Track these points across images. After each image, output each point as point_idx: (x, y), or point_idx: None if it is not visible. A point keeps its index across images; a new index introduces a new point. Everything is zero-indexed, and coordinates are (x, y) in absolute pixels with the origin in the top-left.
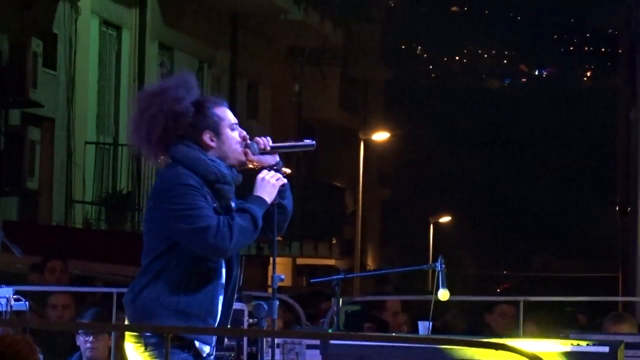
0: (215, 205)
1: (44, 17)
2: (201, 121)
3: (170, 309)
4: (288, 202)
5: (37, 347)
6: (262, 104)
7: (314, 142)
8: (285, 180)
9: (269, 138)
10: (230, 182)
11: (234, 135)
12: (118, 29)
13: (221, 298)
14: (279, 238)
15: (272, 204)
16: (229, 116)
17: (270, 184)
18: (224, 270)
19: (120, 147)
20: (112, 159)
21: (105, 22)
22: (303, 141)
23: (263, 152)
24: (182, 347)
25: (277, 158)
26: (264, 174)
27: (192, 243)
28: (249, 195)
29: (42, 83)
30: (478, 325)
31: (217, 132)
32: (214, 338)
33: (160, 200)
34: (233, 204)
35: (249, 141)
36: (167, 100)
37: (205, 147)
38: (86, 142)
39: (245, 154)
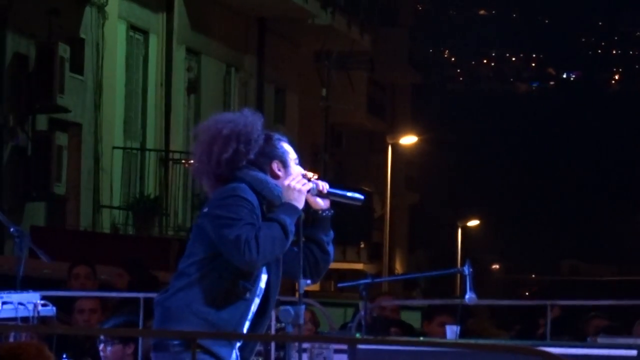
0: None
1: (71, 22)
2: (271, 150)
3: (200, 317)
4: (328, 240)
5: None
6: (289, 108)
7: (364, 197)
8: (311, 185)
9: (326, 183)
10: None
11: (297, 169)
12: (145, 33)
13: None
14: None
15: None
16: (293, 152)
17: (296, 189)
18: (262, 285)
19: (147, 152)
20: (139, 164)
21: (132, 27)
22: (355, 194)
23: (319, 194)
24: (208, 355)
25: (328, 203)
26: (289, 180)
27: (227, 252)
28: (279, 204)
29: (69, 88)
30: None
31: (284, 164)
32: (235, 356)
33: (214, 207)
34: None
35: (313, 184)
36: (241, 126)
37: (273, 176)
38: (113, 147)
39: (308, 193)
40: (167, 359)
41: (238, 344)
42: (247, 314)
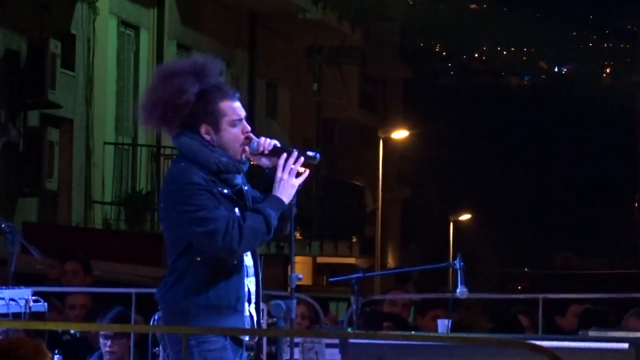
0: (226, 191)
1: (62, 18)
2: (201, 114)
3: (200, 306)
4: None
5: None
6: (281, 103)
7: (318, 154)
8: (306, 174)
9: (274, 141)
10: (234, 171)
11: (235, 131)
12: (136, 29)
13: (253, 279)
14: (298, 237)
15: (290, 203)
16: (231, 111)
17: (289, 183)
18: (246, 257)
19: (139, 148)
20: (131, 160)
21: (123, 23)
22: (306, 152)
23: (260, 153)
24: (221, 336)
25: (273, 162)
26: (285, 173)
27: (203, 245)
28: (267, 194)
29: (60, 84)
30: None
31: (215, 127)
32: (247, 322)
33: (170, 201)
34: (246, 187)
35: (254, 138)
36: (168, 90)
37: (203, 141)
38: (105, 143)
39: (244, 151)
40: (178, 340)
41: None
42: (243, 276)
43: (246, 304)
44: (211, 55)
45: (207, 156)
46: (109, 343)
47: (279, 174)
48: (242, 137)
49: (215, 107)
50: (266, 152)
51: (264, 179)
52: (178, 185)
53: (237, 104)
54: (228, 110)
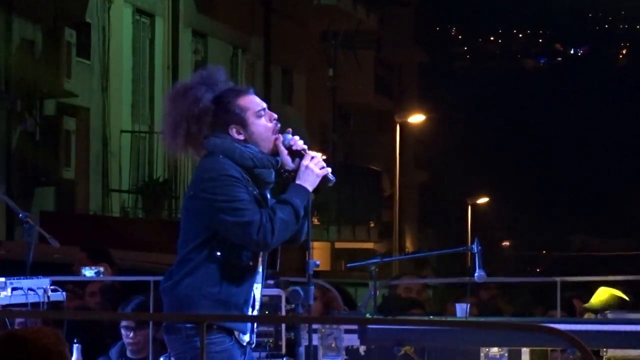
0: (255, 192)
1: (77, 6)
2: (224, 117)
3: (211, 299)
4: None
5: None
6: (296, 89)
7: (334, 178)
8: (329, 170)
9: (305, 146)
10: (269, 166)
11: (262, 122)
12: (151, 17)
13: (259, 286)
14: (316, 222)
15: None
16: (253, 104)
17: (314, 172)
18: (260, 259)
19: (155, 135)
20: (147, 147)
21: (138, 10)
22: (329, 173)
23: (289, 148)
24: (224, 335)
25: (296, 163)
26: (308, 160)
27: (236, 236)
28: (291, 183)
29: (76, 73)
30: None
31: (243, 124)
32: (250, 325)
33: (202, 189)
34: (268, 195)
35: (287, 134)
36: (185, 104)
37: (236, 140)
38: (121, 131)
39: (276, 140)
40: (180, 341)
41: (250, 311)
42: (254, 281)
43: (250, 309)
44: (214, 65)
45: (242, 152)
46: (131, 335)
47: (304, 162)
48: (272, 125)
49: (236, 105)
50: (295, 147)
51: (281, 185)
52: (212, 175)
53: (255, 97)
54: (249, 104)
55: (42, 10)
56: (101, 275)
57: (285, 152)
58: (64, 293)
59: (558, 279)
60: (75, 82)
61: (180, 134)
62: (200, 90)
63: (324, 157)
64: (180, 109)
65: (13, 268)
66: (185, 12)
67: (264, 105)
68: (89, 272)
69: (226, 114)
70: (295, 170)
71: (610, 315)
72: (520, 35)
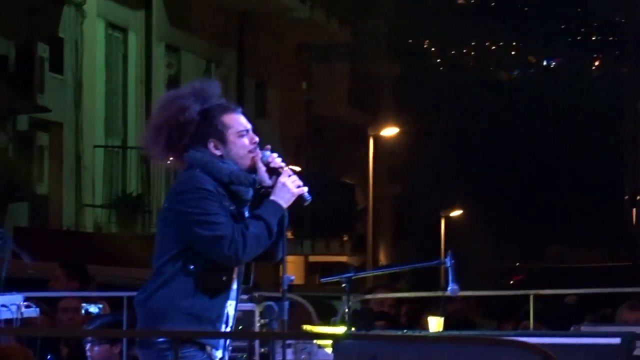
0: (232, 208)
1: (49, 21)
2: (206, 130)
3: (184, 312)
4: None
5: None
6: (270, 102)
7: (310, 197)
8: (305, 189)
9: (282, 164)
10: (246, 183)
11: (243, 141)
12: (124, 31)
13: (233, 303)
14: (290, 236)
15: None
16: (237, 123)
17: (290, 190)
18: (234, 275)
19: (129, 150)
20: (121, 162)
21: (111, 25)
22: (305, 192)
23: (267, 164)
24: (196, 349)
25: (273, 180)
26: (285, 178)
27: (207, 250)
28: (265, 199)
29: (49, 88)
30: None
31: (222, 140)
32: (223, 342)
33: (176, 202)
34: (246, 213)
35: (266, 151)
36: (172, 110)
37: (214, 155)
38: (95, 146)
39: (253, 158)
40: (153, 355)
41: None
42: (228, 296)
43: (223, 325)
44: (209, 79)
45: (219, 167)
46: (88, 347)
47: (281, 178)
48: (251, 146)
49: (220, 121)
50: (273, 164)
51: (258, 200)
52: (187, 187)
53: (241, 117)
54: (233, 123)
55: (15, 25)
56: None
57: (264, 168)
58: (38, 309)
59: (532, 292)
60: (48, 97)
61: (160, 140)
62: (189, 100)
63: (299, 169)
64: (166, 114)
65: None
66: (158, 27)
67: (249, 126)
68: (93, 309)
69: (208, 127)
70: (272, 187)
71: (584, 328)
72: (494, 47)
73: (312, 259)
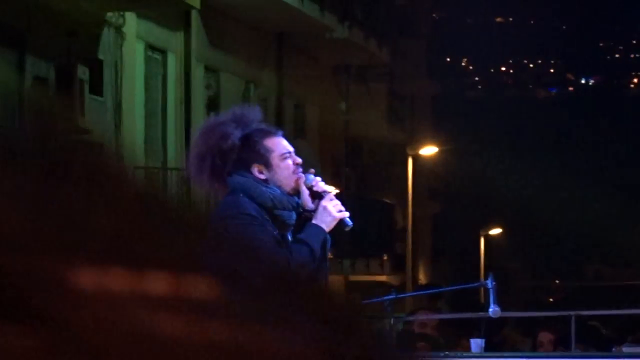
0: (275, 233)
1: (89, 44)
2: (249, 155)
3: None
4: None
5: None
6: (309, 123)
7: (352, 224)
8: (347, 214)
9: (326, 187)
10: (289, 208)
11: (287, 163)
12: (163, 52)
13: None
14: (330, 256)
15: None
16: (279, 147)
17: (331, 214)
18: None
19: (169, 171)
20: (161, 183)
21: (150, 47)
22: (347, 218)
23: (310, 188)
24: None
25: (315, 204)
26: (327, 202)
27: None
28: (308, 223)
29: (89, 109)
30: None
31: (266, 164)
32: None
33: (219, 227)
34: (289, 236)
35: (310, 174)
36: (213, 138)
37: (257, 180)
38: (135, 167)
39: (297, 180)
40: None
41: None
42: None
43: None
44: (250, 104)
45: (262, 192)
46: None
47: (323, 202)
48: (294, 167)
49: (262, 145)
50: (316, 188)
51: (299, 223)
52: (231, 212)
53: (283, 140)
54: (275, 146)
55: (55, 48)
56: None
57: (307, 192)
58: None
59: (573, 312)
60: (88, 119)
61: (205, 169)
62: (230, 126)
63: (338, 191)
64: (208, 143)
65: None
66: (198, 48)
67: (291, 149)
68: None
69: (251, 152)
70: (314, 211)
71: (625, 349)
72: (531, 66)
73: (352, 278)
